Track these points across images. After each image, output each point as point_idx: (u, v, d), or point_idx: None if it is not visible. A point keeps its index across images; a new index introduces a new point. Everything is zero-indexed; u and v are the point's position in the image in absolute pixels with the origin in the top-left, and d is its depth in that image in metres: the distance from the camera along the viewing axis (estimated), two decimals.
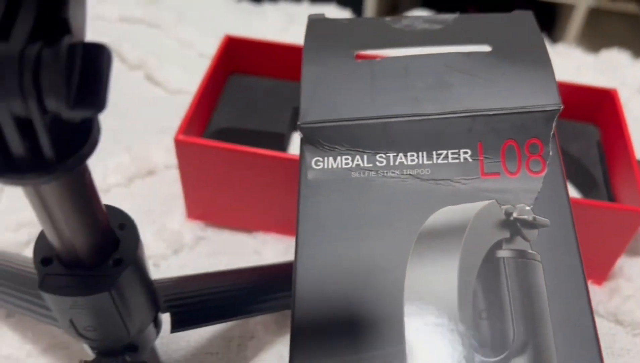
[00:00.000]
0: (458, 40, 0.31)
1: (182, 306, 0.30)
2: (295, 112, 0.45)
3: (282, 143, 0.43)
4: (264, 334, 0.37)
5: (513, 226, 0.26)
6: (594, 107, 0.44)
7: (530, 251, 0.26)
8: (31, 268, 0.35)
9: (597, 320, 0.38)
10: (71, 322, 0.25)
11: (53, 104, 0.17)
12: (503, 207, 0.27)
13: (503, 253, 0.26)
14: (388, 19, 0.33)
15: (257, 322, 0.37)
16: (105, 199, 0.43)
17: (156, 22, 0.58)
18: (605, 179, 0.42)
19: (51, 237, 0.22)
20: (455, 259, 0.26)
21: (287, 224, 0.42)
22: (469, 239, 0.26)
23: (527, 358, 0.24)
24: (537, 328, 0.24)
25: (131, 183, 0.44)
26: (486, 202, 0.27)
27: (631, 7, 1.27)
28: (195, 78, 0.51)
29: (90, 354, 0.29)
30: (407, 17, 0.33)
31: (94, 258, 0.23)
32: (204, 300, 0.31)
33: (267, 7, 0.63)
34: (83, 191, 0.21)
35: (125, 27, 0.59)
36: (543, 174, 0.27)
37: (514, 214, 0.26)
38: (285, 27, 0.60)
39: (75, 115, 0.17)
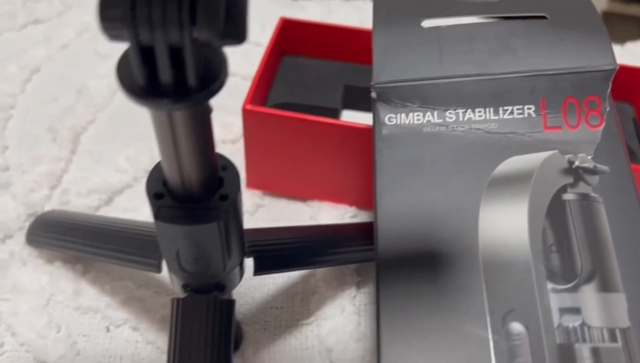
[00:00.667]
0: (516, 10, 0.33)
1: (264, 252, 0.32)
2: (346, 90, 0.47)
3: (334, 118, 0.46)
4: (326, 289, 0.39)
5: (576, 173, 0.29)
6: (629, 86, 0.46)
7: (592, 194, 0.28)
8: (113, 223, 0.38)
9: None
10: (177, 253, 0.27)
11: (205, 34, 0.19)
12: (565, 156, 0.29)
13: (568, 196, 0.28)
14: None
15: (318, 279, 0.40)
16: None
17: None
18: None
19: (170, 169, 0.25)
20: (525, 201, 0.28)
21: (341, 193, 0.44)
22: (536, 184, 0.28)
23: (595, 285, 0.26)
24: (603, 259, 0.27)
25: None
26: (550, 152, 0.29)
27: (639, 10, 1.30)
28: (245, 62, 0.53)
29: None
30: None
31: (203, 192, 0.26)
32: (282, 248, 0.33)
33: (305, 2, 0.66)
34: (207, 125, 0.24)
35: None
36: (601, 127, 0.30)
37: (576, 163, 0.29)
38: (324, 19, 0.63)
39: (223, 44, 0.20)
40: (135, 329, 0.37)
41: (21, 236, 0.41)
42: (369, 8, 0.68)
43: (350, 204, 0.44)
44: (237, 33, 0.20)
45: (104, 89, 0.52)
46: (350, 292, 0.39)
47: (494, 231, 0.28)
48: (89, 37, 0.58)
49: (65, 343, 0.36)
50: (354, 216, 0.44)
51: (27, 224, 0.41)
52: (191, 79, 0.21)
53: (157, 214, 0.26)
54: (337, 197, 0.45)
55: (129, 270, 0.39)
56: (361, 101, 0.48)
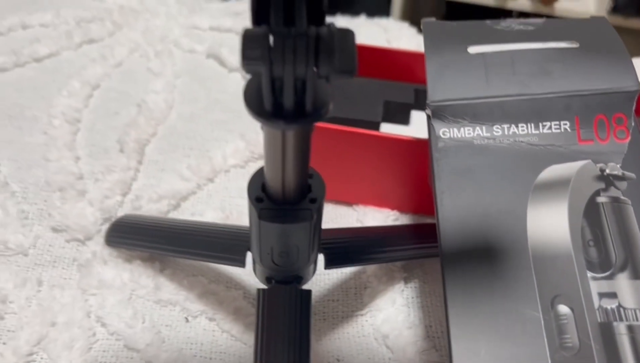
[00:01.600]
0: (549, 39, 0.38)
1: (334, 249, 0.37)
2: (385, 105, 0.52)
3: (376, 130, 0.51)
4: (377, 284, 0.44)
5: (607, 180, 0.34)
6: None
7: (622, 197, 0.33)
8: (189, 225, 0.42)
9: None
10: (271, 248, 0.32)
11: (325, 70, 0.24)
12: (597, 165, 0.34)
13: (601, 199, 0.33)
14: (488, 22, 0.40)
15: (369, 275, 0.44)
16: (226, 177, 0.50)
17: None
18: None
19: (274, 176, 0.29)
20: (565, 203, 0.33)
21: (383, 198, 0.49)
22: (573, 189, 0.33)
23: (628, 273, 0.31)
24: (634, 252, 0.31)
25: (246, 165, 0.52)
26: (584, 161, 0.34)
27: (638, 23, 1.36)
28: None
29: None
30: (505, 20, 0.40)
31: (297, 196, 0.31)
32: (348, 246, 0.38)
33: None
34: (309, 140, 0.29)
35: (217, 35, 0.66)
36: (627, 140, 0.35)
37: (607, 171, 0.34)
38: None
39: (338, 77, 0.24)
40: (211, 319, 0.41)
41: (100, 239, 0.45)
42: (392, 27, 0.73)
43: (392, 208, 0.49)
44: (350, 69, 0.24)
45: (161, 104, 0.56)
46: (400, 286, 0.44)
47: (541, 229, 0.32)
48: (139, 55, 0.63)
49: (151, 332, 0.40)
50: (396, 219, 0.49)
51: (103, 228, 0.46)
52: (308, 105, 0.25)
53: (260, 215, 0.30)
54: (380, 201, 0.49)
55: (201, 266, 0.44)
56: (399, 115, 0.53)
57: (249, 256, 0.36)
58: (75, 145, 0.52)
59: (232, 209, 0.48)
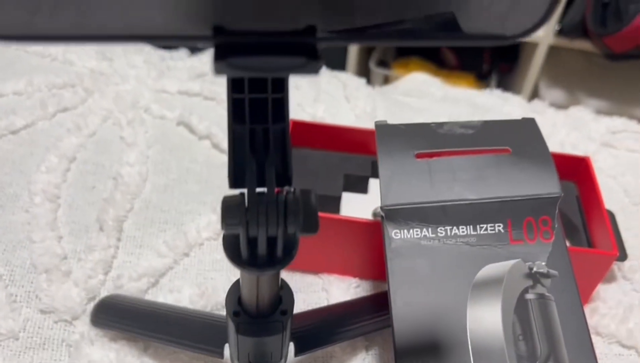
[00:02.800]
0: (486, 143, 0.44)
1: (301, 337, 0.42)
2: (346, 178, 0.57)
3: (337, 204, 0.56)
4: (342, 354, 0.49)
5: (534, 277, 0.39)
6: (573, 169, 0.58)
7: (547, 294, 0.39)
8: (169, 310, 0.46)
9: None
10: (248, 354, 0.37)
11: (292, 228, 0.29)
12: (526, 264, 0.40)
13: (529, 296, 0.39)
14: (433, 124, 0.46)
15: (334, 346, 0.49)
16: (201, 251, 0.54)
17: (212, 96, 0.70)
18: (584, 225, 0.56)
19: (249, 299, 0.34)
20: (499, 301, 0.39)
21: (346, 268, 0.54)
22: (506, 287, 0.39)
23: None
24: (555, 345, 0.37)
25: (218, 237, 0.56)
26: (515, 260, 0.40)
27: (586, 45, 1.44)
28: None
29: None
30: (447, 123, 0.46)
31: (269, 310, 0.35)
32: (314, 331, 0.43)
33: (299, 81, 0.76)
34: (279, 273, 0.33)
35: (186, 100, 0.70)
36: (552, 240, 0.40)
37: (534, 269, 0.40)
38: (316, 97, 0.73)
39: (303, 235, 0.29)
40: None
41: (86, 318, 0.49)
42: (350, 83, 0.78)
43: (354, 276, 0.54)
44: (314, 229, 0.29)
45: (135, 177, 0.60)
46: (362, 355, 0.49)
47: (477, 324, 0.38)
48: (112, 122, 0.67)
49: None
50: (357, 286, 0.54)
51: (88, 307, 0.50)
52: (279, 254, 0.30)
53: (237, 329, 0.35)
54: (343, 270, 0.55)
55: None
56: (358, 185, 0.58)
57: (226, 347, 0.41)
58: (57, 223, 0.56)
59: (208, 284, 0.53)
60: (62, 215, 0.57)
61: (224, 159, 0.64)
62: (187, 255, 0.55)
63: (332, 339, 0.44)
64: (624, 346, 0.51)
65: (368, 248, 0.51)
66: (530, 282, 0.39)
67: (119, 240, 0.55)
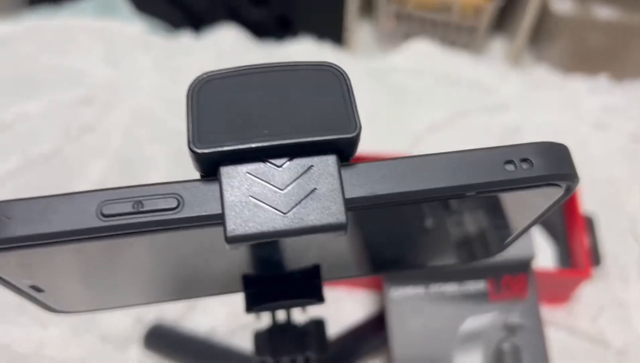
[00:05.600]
0: None
1: None
2: None
3: None
4: None
5: (509, 329, 0.47)
6: None
7: (518, 343, 0.47)
8: (209, 344, 0.56)
9: (559, 331, 0.60)
10: None
11: (311, 355, 0.36)
12: (503, 316, 0.47)
13: (504, 345, 0.47)
14: None
15: None
16: None
17: None
18: (564, 229, 0.62)
19: None
20: (479, 350, 0.47)
21: (356, 281, 0.62)
22: (485, 338, 0.47)
23: None
24: None
25: None
26: (493, 313, 0.47)
27: None
28: None
29: None
30: None
31: None
32: None
33: None
34: None
35: None
36: (526, 297, 0.48)
37: (509, 321, 0.47)
38: None
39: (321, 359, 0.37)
40: None
41: (138, 343, 0.59)
42: (352, 71, 0.81)
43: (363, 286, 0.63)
44: (325, 352, 0.37)
45: None
46: None
47: None
48: (132, 140, 0.72)
49: None
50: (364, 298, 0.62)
51: (137, 332, 0.59)
52: None
53: None
54: (351, 284, 0.63)
55: None
56: None
57: None
58: None
59: (237, 303, 0.61)
60: None
61: None
62: None
63: None
64: (594, 342, 0.59)
65: None
66: (504, 333, 0.47)
67: None
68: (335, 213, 0.19)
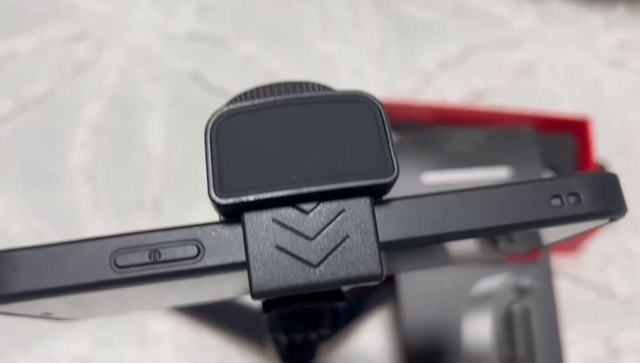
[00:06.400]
0: (485, 162, 0.48)
1: None
2: None
3: None
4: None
5: (519, 291, 0.47)
6: (573, 125, 0.61)
7: (528, 306, 0.47)
8: None
9: (565, 281, 0.60)
10: None
11: (326, 333, 0.36)
12: (514, 278, 0.47)
13: (514, 308, 0.47)
14: (440, 139, 0.49)
15: None
16: None
17: (220, 39, 0.71)
18: None
19: None
20: (489, 312, 0.47)
21: None
22: (495, 300, 0.47)
23: None
24: (532, 350, 0.46)
25: None
26: (505, 274, 0.47)
27: None
28: None
29: None
30: (454, 135, 0.49)
31: None
32: None
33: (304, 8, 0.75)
34: None
35: (197, 47, 0.71)
36: (539, 259, 0.47)
37: (520, 283, 0.47)
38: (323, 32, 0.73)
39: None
40: None
41: None
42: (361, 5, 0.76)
43: None
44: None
45: (163, 147, 0.65)
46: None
47: (471, 331, 0.47)
48: (129, 81, 0.69)
49: None
50: None
51: None
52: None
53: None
54: None
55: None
56: None
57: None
58: (100, 204, 0.63)
59: None
60: (103, 195, 0.63)
61: None
62: None
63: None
64: (600, 292, 0.60)
65: None
66: (515, 295, 0.47)
67: (160, 217, 0.62)
68: (370, 263, 0.18)
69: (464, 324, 0.46)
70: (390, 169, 0.18)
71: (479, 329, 0.46)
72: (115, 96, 0.68)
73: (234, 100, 0.23)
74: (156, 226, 0.57)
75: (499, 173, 0.47)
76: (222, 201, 0.18)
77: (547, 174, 0.53)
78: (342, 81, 0.71)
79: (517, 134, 0.49)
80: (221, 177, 0.18)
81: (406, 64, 0.73)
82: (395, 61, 0.73)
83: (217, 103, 0.69)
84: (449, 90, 0.71)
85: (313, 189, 0.17)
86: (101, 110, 0.67)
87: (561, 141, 0.62)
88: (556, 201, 0.19)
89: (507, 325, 0.46)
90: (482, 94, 0.71)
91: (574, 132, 0.62)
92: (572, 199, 0.19)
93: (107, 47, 0.71)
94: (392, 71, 0.72)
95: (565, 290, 0.59)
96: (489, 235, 0.19)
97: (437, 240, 0.19)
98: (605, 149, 0.65)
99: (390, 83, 0.71)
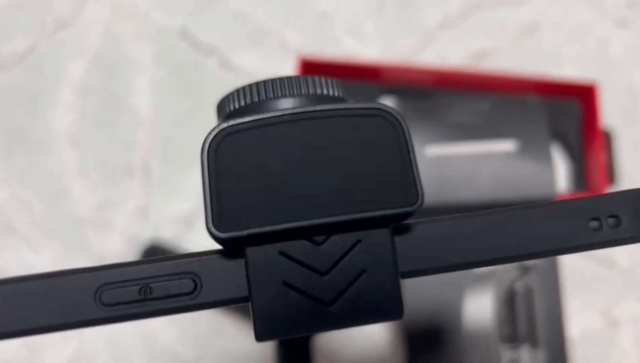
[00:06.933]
0: (491, 135, 0.46)
1: None
2: None
3: None
4: None
5: (522, 269, 0.46)
6: (579, 90, 0.59)
7: (531, 284, 0.46)
8: None
9: None
10: None
11: None
12: None
13: (516, 286, 0.46)
14: (443, 108, 0.47)
15: None
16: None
17: None
18: (581, 146, 0.59)
19: None
20: (491, 290, 0.46)
21: None
22: (497, 278, 0.46)
23: (529, 344, 0.45)
24: (533, 328, 0.45)
25: None
26: None
27: None
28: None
29: None
30: (457, 105, 0.47)
31: None
32: None
33: None
34: None
35: (188, 3, 0.67)
36: None
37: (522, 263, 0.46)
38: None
39: None
40: None
41: None
42: None
43: None
44: None
45: (150, 108, 0.62)
46: None
47: (472, 309, 0.46)
48: (113, 38, 0.65)
49: None
50: None
51: (131, 252, 0.58)
52: None
53: None
54: None
55: None
56: None
57: None
58: (87, 170, 0.60)
59: None
60: (89, 160, 0.61)
61: (233, 81, 0.65)
62: None
63: None
64: (599, 263, 0.59)
65: None
66: (517, 273, 0.46)
67: (149, 183, 0.60)
68: (389, 301, 0.16)
69: (465, 302, 0.45)
70: (413, 196, 0.16)
71: (480, 307, 0.45)
72: (99, 54, 0.65)
73: (227, 99, 0.20)
74: (145, 191, 0.54)
75: (504, 146, 0.45)
76: (222, 235, 0.16)
77: (555, 147, 0.51)
78: (338, 40, 0.67)
79: (524, 104, 0.46)
80: (220, 206, 0.15)
81: (406, 22, 0.70)
82: (394, 18, 0.69)
83: (206, 63, 0.66)
84: (450, 50, 0.68)
85: (326, 220, 0.15)
86: (85, 70, 0.63)
87: (566, 107, 0.59)
88: (594, 223, 0.17)
89: (509, 303, 0.45)
90: (484, 54, 0.68)
91: (579, 97, 0.60)
92: (611, 221, 0.17)
93: (90, 0, 0.66)
94: (391, 28, 0.69)
95: (565, 261, 0.58)
96: (521, 260, 0.17)
97: (464, 268, 0.17)
98: (611, 116, 0.62)
99: (388, 42, 0.67)
